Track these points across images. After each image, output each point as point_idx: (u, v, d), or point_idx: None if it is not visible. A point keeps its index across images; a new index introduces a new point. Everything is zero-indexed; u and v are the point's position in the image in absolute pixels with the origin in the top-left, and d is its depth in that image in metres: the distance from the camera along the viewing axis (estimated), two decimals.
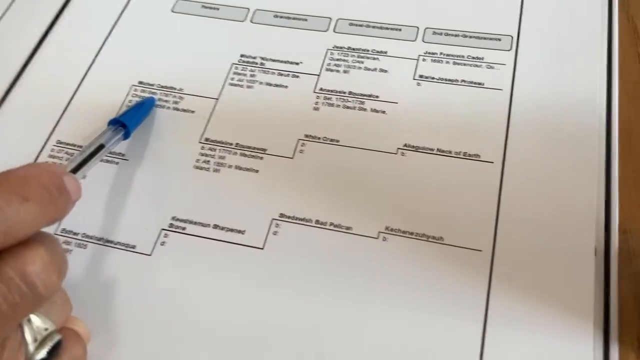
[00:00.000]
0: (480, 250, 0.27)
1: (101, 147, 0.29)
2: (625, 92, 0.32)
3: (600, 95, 0.31)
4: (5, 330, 0.21)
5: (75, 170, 0.27)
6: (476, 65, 0.33)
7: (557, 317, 0.25)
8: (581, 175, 0.29)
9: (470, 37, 0.34)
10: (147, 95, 0.34)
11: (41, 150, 0.32)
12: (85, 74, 0.35)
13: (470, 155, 0.30)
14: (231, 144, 0.32)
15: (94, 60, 0.35)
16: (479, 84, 0.32)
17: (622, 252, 0.27)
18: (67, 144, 0.32)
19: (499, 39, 0.33)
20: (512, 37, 0.33)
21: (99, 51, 0.36)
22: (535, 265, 0.26)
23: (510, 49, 0.33)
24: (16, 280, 0.20)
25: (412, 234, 0.28)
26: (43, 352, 0.23)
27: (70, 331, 0.24)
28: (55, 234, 0.29)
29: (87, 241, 0.29)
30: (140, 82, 0.34)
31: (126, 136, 0.31)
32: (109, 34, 0.36)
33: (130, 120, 0.31)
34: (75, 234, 0.29)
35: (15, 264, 0.20)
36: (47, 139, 0.33)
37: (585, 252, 0.26)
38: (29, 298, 0.20)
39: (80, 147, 0.32)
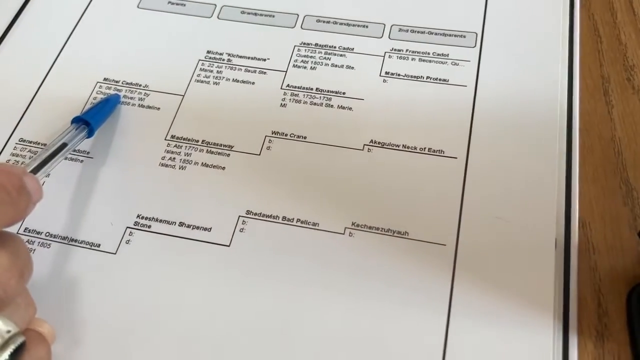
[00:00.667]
0: (444, 245, 0.27)
1: (64, 145, 0.29)
2: (585, 89, 0.32)
3: (562, 92, 0.32)
4: None
5: (36, 170, 0.27)
6: (441, 62, 0.33)
7: (518, 308, 0.26)
8: (543, 170, 0.29)
9: (436, 34, 0.34)
10: (111, 92, 0.33)
11: (2, 149, 0.32)
12: (49, 70, 0.34)
13: (434, 151, 0.30)
14: (197, 141, 0.31)
15: (57, 56, 0.35)
16: (444, 80, 0.32)
17: (581, 245, 0.28)
18: (30, 142, 0.32)
19: (464, 36, 0.34)
20: (476, 34, 0.34)
21: (62, 47, 0.35)
22: (497, 259, 0.27)
23: (475, 45, 0.33)
24: None
25: (378, 229, 0.28)
26: (5, 354, 0.22)
27: (34, 332, 0.24)
28: (18, 233, 0.29)
29: (51, 240, 0.29)
30: (106, 79, 0.34)
31: (90, 134, 0.31)
32: (73, 29, 0.36)
33: (93, 118, 0.31)
34: (38, 233, 0.29)
35: None
36: (9, 138, 0.32)
37: (546, 245, 0.27)
38: None
39: (44, 145, 0.32)
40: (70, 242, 0.29)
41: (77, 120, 0.30)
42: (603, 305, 0.26)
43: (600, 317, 0.26)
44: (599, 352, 0.25)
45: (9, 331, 0.23)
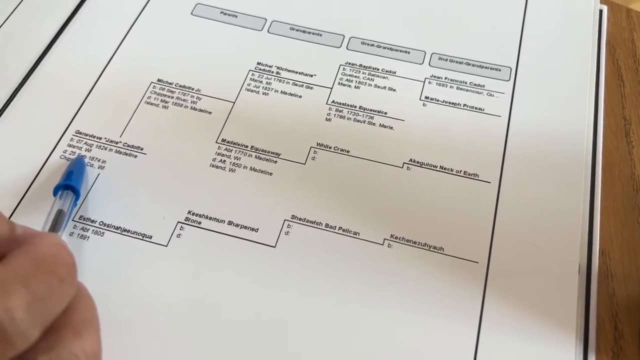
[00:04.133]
0: (476, 262, 0.29)
1: (60, 212, 0.28)
2: (609, 129, 0.35)
3: (588, 130, 0.34)
4: None
5: None
6: (477, 92, 0.35)
7: (543, 327, 0.28)
8: (568, 199, 0.31)
9: (473, 65, 0.36)
10: (165, 92, 0.35)
11: (60, 140, 0.33)
12: (105, 67, 0.36)
13: (469, 174, 0.32)
14: (247, 146, 0.33)
15: (113, 55, 0.36)
16: (480, 109, 0.35)
17: (601, 272, 0.30)
18: (86, 134, 0.33)
19: (499, 69, 0.36)
20: (510, 69, 0.36)
21: (118, 46, 0.37)
22: (526, 279, 0.29)
23: (509, 79, 0.36)
24: None
25: (415, 243, 0.30)
26: None
27: None
28: (73, 221, 0.30)
29: (105, 229, 0.30)
30: (160, 80, 0.36)
31: (77, 196, 0.30)
32: (129, 30, 0.38)
33: (72, 181, 0.30)
34: (92, 221, 0.31)
35: (68, 356, 0.20)
36: (66, 129, 0.34)
37: (570, 270, 0.29)
38: None
39: (99, 138, 0.33)
40: (123, 232, 0.30)
41: (58, 189, 0.30)
42: (619, 328, 0.29)
43: (616, 339, 0.28)
44: None
45: None
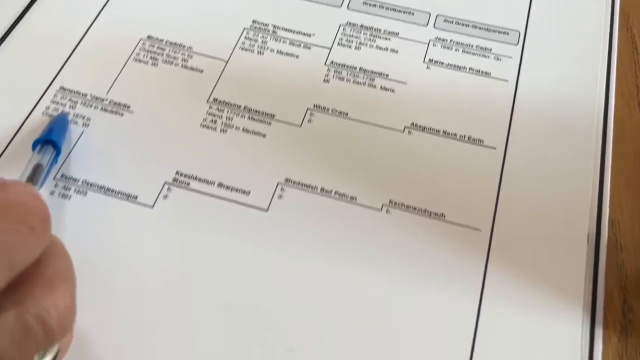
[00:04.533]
0: (479, 230, 0.28)
1: (38, 166, 0.27)
2: (621, 96, 0.33)
3: (599, 97, 0.32)
4: None
5: None
6: (484, 56, 0.34)
7: (549, 297, 0.26)
8: (578, 167, 0.30)
9: (480, 28, 0.35)
10: (155, 49, 0.33)
11: (43, 95, 0.31)
12: (93, 22, 0.34)
13: (474, 140, 0.31)
14: (240, 107, 0.32)
15: (102, 9, 0.35)
16: (486, 73, 0.33)
17: (610, 243, 0.29)
18: (71, 90, 0.32)
19: (507, 33, 0.34)
20: (519, 32, 0.34)
21: (107, 1, 0.35)
22: (531, 247, 0.27)
23: (518, 43, 0.34)
24: (36, 330, 0.18)
25: (415, 209, 0.28)
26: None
27: None
28: (54, 180, 0.29)
29: (87, 189, 0.29)
30: (149, 37, 0.34)
31: (58, 152, 0.28)
32: None
33: (54, 136, 0.28)
34: (75, 180, 0.29)
35: (37, 311, 0.18)
36: (50, 84, 0.32)
37: (579, 239, 0.28)
38: (43, 345, 0.19)
39: (85, 95, 0.32)
40: (107, 192, 0.29)
41: (36, 143, 0.28)
42: (628, 302, 0.27)
43: (625, 313, 0.27)
44: (623, 345, 0.26)
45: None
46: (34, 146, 0.28)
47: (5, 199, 0.18)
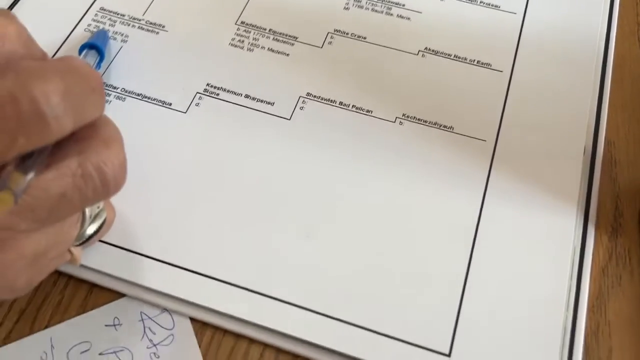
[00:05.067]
0: (484, 140, 0.30)
1: None
2: (622, 31, 0.35)
3: (601, 29, 0.35)
4: (72, 215, 0.22)
5: None
6: None
7: (546, 199, 0.29)
8: (578, 91, 0.32)
9: None
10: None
11: (84, 14, 0.34)
12: None
13: (483, 63, 0.33)
14: (265, 29, 0.34)
15: None
16: (496, 6, 0.35)
17: (605, 158, 0.31)
18: (110, 11, 0.34)
19: None
20: None
21: None
22: (531, 157, 0.30)
23: None
24: (95, 177, 0.20)
25: (426, 122, 0.31)
26: (94, 227, 0.25)
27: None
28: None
29: (126, 95, 0.31)
30: None
31: (101, 57, 0.31)
32: None
33: (99, 42, 0.31)
34: (115, 87, 0.32)
35: (96, 161, 0.20)
36: (91, 5, 0.34)
37: (576, 151, 0.30)
38: (100, 194, 0.21)
39: (123, 15, 0.34)
40: (144, 99, 0.31)
41: (83, 48, 0.31)
42: (620, 208, 0.29)
43: (616, 217, 0.29)
44: (612, 244, 0.29)
45: (99, 207, 0.25)
46: (80, 51, 0.30)
47: (70, 63, 0.20)
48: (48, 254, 0.22)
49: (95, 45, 0.30)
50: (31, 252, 0.20)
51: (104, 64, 0.32)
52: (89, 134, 0.21)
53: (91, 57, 0.30)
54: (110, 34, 0.33)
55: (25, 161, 0.18)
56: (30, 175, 0.18)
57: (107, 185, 0.21)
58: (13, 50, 0.20)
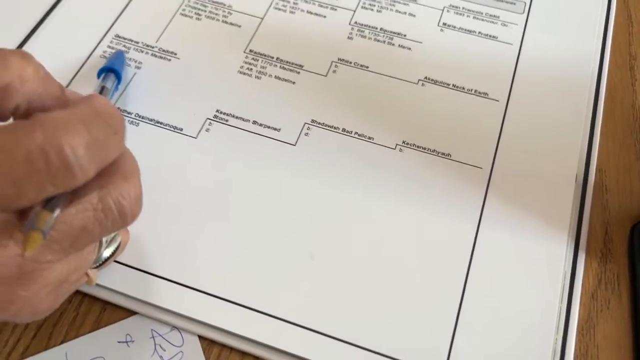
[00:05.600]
0: (480, 168, 0.32)
1: (104, 88, 0.31)
2: (614, 63, 0.37)
3: (594, 61, 0.36)
4: (92, 244, 0.24)
5: None
6: (492, 22, 0.37)
7: (539, 225, 0.30)
8: (571, 121, 0.34)
9: None
10: (199, 6, 0.37)
11: (101, 40, 0.36)
12: None
13: (480, 92, 0.34)
14: (272, 57, 0.36)
15: None
16: (493, 37, 0.37)
17: (596, 186, 0.32)
18: (125, 38, 0.36)
19: (514, 3, 0.38)
20: (525, 3, 0.38)
21: None
22: (525, 184, 0.31)
23: (523, 12, 0.38)
24: (114, 210, 0.22)
25: (425, 148, 0.32)
26: (109, 251, 0.27)
27: None
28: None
29: (140, 120, 0.33)
30: None
31: (119, 79, 0.33)
32: None
33: (115, 66, 0.33)
34: (129, 112, 0.33)
35: (116, 195, 0.22)
36: (107, 32, 0.36)
37: (568, 178, 0.32)
38: (118, 225, 0.22)
39: (137, 42, 0.36)
40: (157, 124, 0.33)
41: (102, 71, 0.33)
42: (609, 234, 0.31)
43: (605, 243, 0.31)
44: (602, 269, 0.30)
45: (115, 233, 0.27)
46: (98, 74, 0.32)
47: (96, 106, 0.22)
48: (69, 279, 0.23)
49: (113, 69, 0.32)
50: (54, 280, 0.22)
51: (119, 89, 0.34)
52: (109, 168, 0.22)
53: (110, 81, 0.32)
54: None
55: (51, 200, 0.20)
56: (57, 213, 0.20)
57: (124, 217, 0.22)
58: (32, 89, 0.21)
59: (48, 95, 0.22)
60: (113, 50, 0.35)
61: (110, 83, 0.31)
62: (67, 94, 0.24)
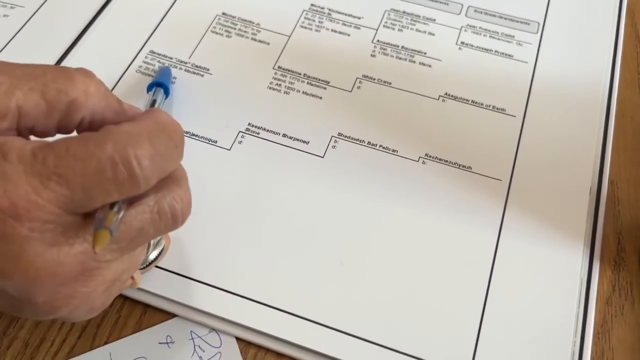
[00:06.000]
0: (500, 180, 0.34)
1: (154, 102, 0.33)
2: (624, 81, 0.39)
3: (605, 80, 0.38)
4: (143, 245, 0.25)
5: None
6: (508, 42, 0.39)
7: (556, 235, 0.32)
8: (584, 136, 0.35)
9: (505, 18, 0.40)
10: (229, 24, 0.39)
11: (136, 56, 0.38)
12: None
13: (497, 108, 0.36)
14: (300, 74, 0.37)
15: None
16: (509, 55, 0.39)
17: (609, 197, 0.34)
18: (159, 54, 0.38)
19: (528, 23, 0.40)
20: (538, 23, 0.40)
21: None
22: (543, 195, 0.33)
23: (537, 32, 0.40)
24: (167, 213, 0.23)
25: (446, 161, 0.34)
26: (155, 253, 0.28)
27: None
28: None
29: None
30: (224, 13, 0.40)
31: (167, 93, 0.35)
32: None
33: (164, 80, 0.35)
34: None
35: (170, 199, 0.23)
36: (141, 48, 0.38)
37: (582, 191, 0.33)
38: (170, 227, 0.24)
39: (171, 58, 0.38)
40: (192, 136, 0.35)
41: (151, 86, 0.35)
42: (622, 243, 0.33)
43: (618, 252, 0.32)
44: (615, 277, 0.32)
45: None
46: (148, 89, 0.34)
47: (160, 120, 0.24)
48: (121, 278, 0.25)
49: (162, 84, 0.34)
50: (110, 278, 0.23)
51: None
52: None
53: (159, 95, 0.34)
54: None
55: (115, 202, 0.21)
56: (121, 214, 0.21)
57: (176, 220, 0.24)
58: (95, 103, 0.23)
59: (109, 109, 0.24)
60: (149, 66, 0.37)
61: (159, 97, 0.33)
62: (126, 108, 0.26)
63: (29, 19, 0.39)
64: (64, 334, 0.30)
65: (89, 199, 0.21)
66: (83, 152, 0.20)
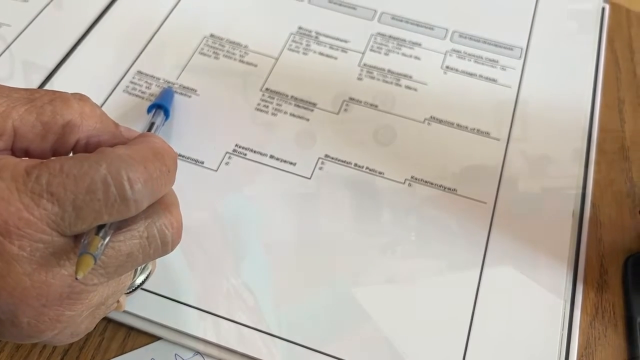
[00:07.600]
0: (485, 202, 0.34)
1: (153, 124, 0.33)
2: (605, 106, 0.40)
3: (586, 105, 0.39)
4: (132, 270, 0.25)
5: None
6: (492, 66, 0.40)
7: (539, 257, 0.32)
8: (567, 158, 0.36)
9: (489, 43, 0.41)
10: (217, 46, 0.40)
11: (123, 76, 0.38)
12: (165, 19, 0.41)
13: (482, 132, 0.37)
14: (287, 96, 0.38)
15: (173, 8, 0.41)
16: (493, 80, 0.39)
17: (591, 220, 0.35)
18: (146, 74, 0.38)
19: (512, 49, 0.41)
20: (521, 49, 0.41)
21: (178, 2, 0.41)
22: (526, 218, 0.33)
23: (520, 57, 0.41)
24: (157, 239, 0.23)
25: (432, 184, 0.34)
26: (141, 278, 0.28)
27: None
28: None
29: None
30: (212, 35, 0.40)
31: (167, 115, 0.35)
32: None
33: (164, 102, 0.35)
34: None
35: (160, 225, 0.23)
36: (129, 68, 0.38)
37: (566, 214, 0.34)
38: (160, 253, 0.24)
39: (158, 78, 0.38)
40: (180, 157, 0.34)
41: (152, 107, 0.35)
42: (604, 266, 0.33)
43: (601, 274, 0.33)
44: (599, 299, 0.32)
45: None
46: (148, 110, 0.35)
47: (154, 145, 0.24)
48: (106, 302, 0.24)
49: (162, 106, 0.34)
50: (96, 302, 0.23)
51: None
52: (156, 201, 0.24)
53: (159, 117, 0.34)
54: (146, 95, 0.37)
55: (102, 227, 0.21)
56: (107, 239, 0.21)
57: (166, 246, 0.24)
58: (90, 125, 0.24)
59: (105, 131, 0.24)
60: (136, 86, 0.37)
61: (159, 119, 0.33)
62: (122, 130, 0.26)
63: (16, 38, 0.39)
64: (45, 357, 0.29)
65: (78, 218, 0.21)
66: (77, 171, 0.20)
